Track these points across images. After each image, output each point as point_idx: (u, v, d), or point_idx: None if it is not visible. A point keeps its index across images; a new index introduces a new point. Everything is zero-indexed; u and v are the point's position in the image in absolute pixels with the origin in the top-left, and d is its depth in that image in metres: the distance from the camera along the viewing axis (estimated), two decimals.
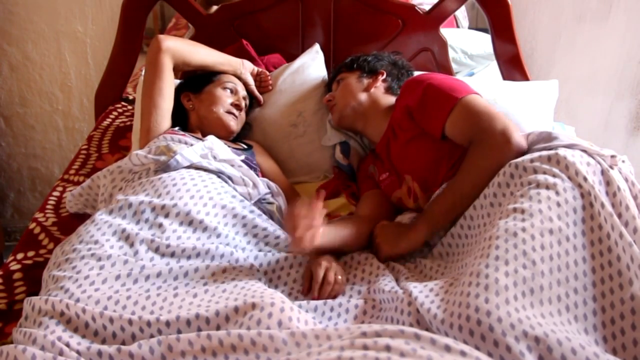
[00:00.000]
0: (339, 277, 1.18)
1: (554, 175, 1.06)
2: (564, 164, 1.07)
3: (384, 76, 1.54)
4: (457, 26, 2.31)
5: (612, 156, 1.14)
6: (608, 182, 1.07)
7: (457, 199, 1.20)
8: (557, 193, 1.03)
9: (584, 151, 1.12)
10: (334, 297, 1.17)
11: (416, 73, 1.62)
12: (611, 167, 1.11)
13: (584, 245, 0.99)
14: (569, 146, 1.13)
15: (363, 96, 1.51)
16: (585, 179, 1.04)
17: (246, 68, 1.62)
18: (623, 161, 1.17)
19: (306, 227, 1.04)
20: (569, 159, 1.07)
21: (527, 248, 0.96)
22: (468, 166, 1.21)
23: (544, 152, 1.11)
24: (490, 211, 1.12)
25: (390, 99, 1.53)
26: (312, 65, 1.73)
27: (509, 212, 1.03)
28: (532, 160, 1.10)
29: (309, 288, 1.17)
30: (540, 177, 1.06)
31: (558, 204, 1.02)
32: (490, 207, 1.13)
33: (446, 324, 0.90)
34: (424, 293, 0.99)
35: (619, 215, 1.03)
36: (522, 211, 1.02)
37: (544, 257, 0.95)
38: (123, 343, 0.90)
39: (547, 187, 1.04)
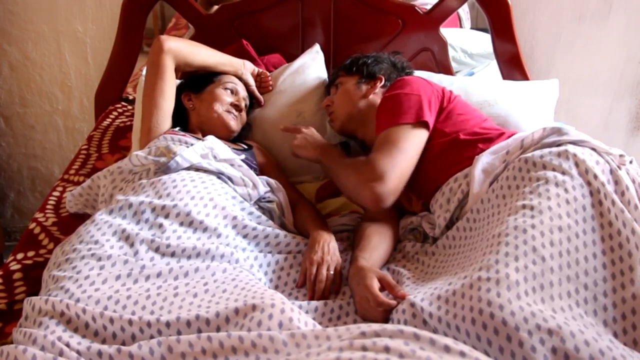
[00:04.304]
0: (331, 272, 1.18)
1: (564, 172, 1.06)
2: (574, 160, 1.07)
3: (382, 82, 1.51)
4: (461, 26, 2.30)
5: (621, 155, 1.14)
6: (616, 182, 1.07)
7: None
8: (567, 190, 1.03)
9: (593, 149, 1.12)
10: (336, 292, 1.17)
11: (416, 73, 1.63)
12: (619, 167, 1.11)
13: (594, 242, 0.99)
14: (578, 143, 1.13)
15: (362, 103, 1.49)
16: (595, 176, 1.05)
17: (247, 69, 1.62)
18: (631, 161, 1.17)
19: (380, 307, 1.04)
20: (579, 156, 1.07)
21: (537, 244, 0.96)
22: (346, 169, 1.29)
23: (554, 148, 1.11)
24: (499, 203, 1.12)
25: None
26: (312, 65, 1.72)
27: (518, 209, 1.03)
28: (542, 156, 1.10)
29: (304, 282, 1.18)
30: (550, 174, 1.06)
31: (567, 201, 1.02)
32: (500, 199, 1.12)
33: (458, 318, 0.90)
34: (429, 293, 0.99)
35: None
36: (532, 208, 1.02)
37: (553, 253, 0.95)
38: (123, 343, 0.90)
39: (557, 184, 1.04)
